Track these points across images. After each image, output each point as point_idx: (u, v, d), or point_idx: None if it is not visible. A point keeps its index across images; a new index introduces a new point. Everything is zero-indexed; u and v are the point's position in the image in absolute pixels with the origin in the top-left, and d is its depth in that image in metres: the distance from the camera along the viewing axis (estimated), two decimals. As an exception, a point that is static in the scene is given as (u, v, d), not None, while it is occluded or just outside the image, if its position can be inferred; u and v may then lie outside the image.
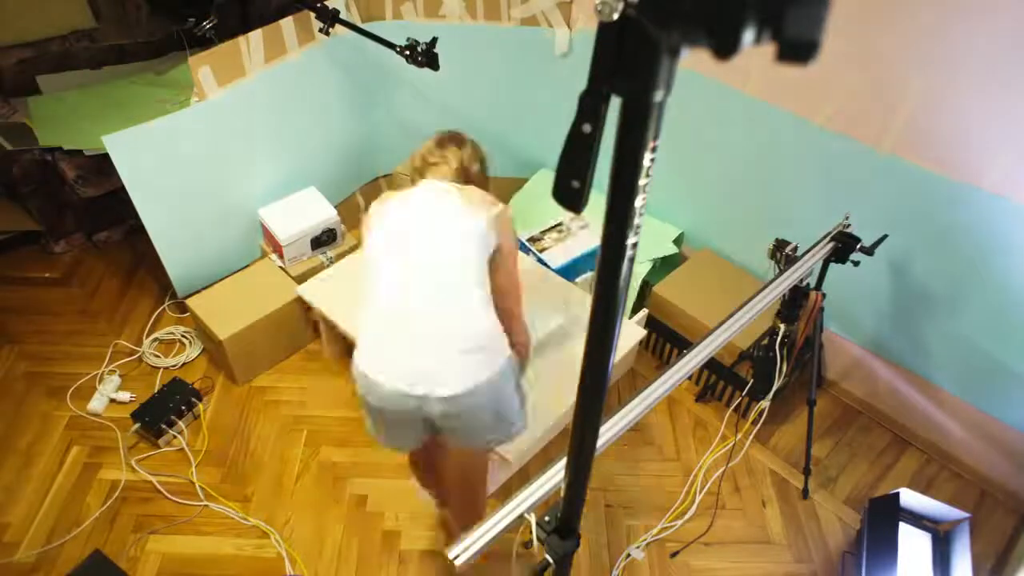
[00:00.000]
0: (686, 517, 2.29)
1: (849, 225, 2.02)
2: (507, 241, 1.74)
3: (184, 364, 2.69)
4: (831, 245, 2.00)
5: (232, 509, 2.26)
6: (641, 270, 2.70)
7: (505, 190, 3.07)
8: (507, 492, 2.31)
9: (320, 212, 2.70)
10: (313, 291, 2.52)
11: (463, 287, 1.62)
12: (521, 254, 2.43)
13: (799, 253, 2.02)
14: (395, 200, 1.74)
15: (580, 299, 2.50)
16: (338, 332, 2.51)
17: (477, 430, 1.67)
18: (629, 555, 2.19)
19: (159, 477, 2.33)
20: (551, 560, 1.14)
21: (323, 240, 2.72)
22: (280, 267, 2.70)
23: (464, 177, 1.79)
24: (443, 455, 1.92)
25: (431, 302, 1.61)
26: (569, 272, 2.67)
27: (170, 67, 3.30)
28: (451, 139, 1.83)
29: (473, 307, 1.62)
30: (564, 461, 1.17)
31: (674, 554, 2.20)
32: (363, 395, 1.63)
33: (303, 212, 2.70)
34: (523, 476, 2.36)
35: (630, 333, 2.42)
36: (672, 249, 2.79)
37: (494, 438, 1.72)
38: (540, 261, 2.67)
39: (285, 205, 2.72)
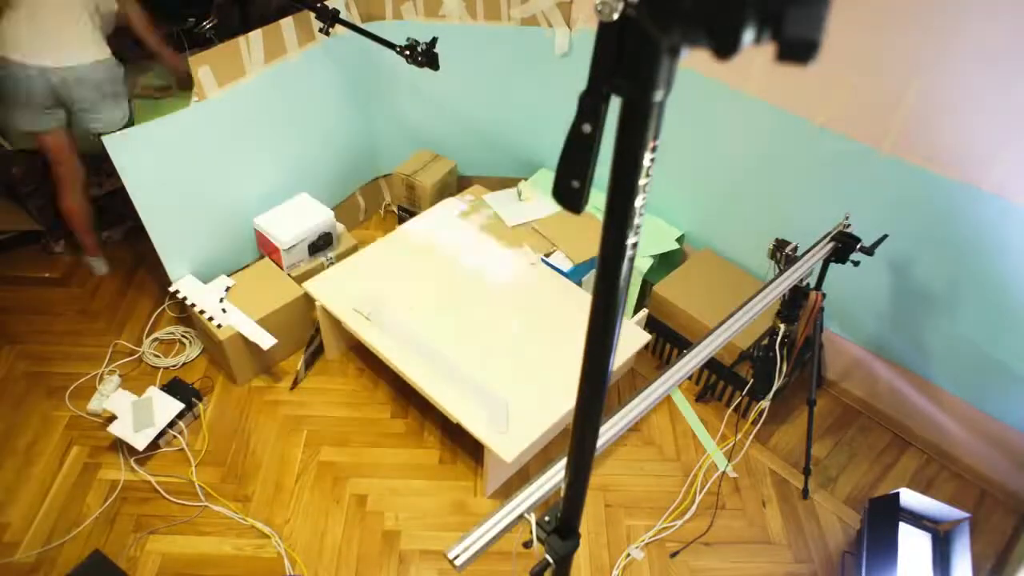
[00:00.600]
0: (686, 517, 2.29)
1: (849, 225, 2.02)
2: None
3: (184, 364, 2.69)
4: (831, 245, 2.00)
5: (231, 510, 2.26)
6: (641, 265, 2.70)
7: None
8: (507, 492, 2.32)
9: (315, 217, 2.69)
10: (317, 289, 2.51)
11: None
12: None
13: (799, 253, 2.02)
14: None
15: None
16: (340, 331, 2.51)
17: (92, 96, 2.46)
18: (629, 555, 2.19)
19: (159, 477, 2.33)
20: (551, 560, 1.14)
21: (320, 245, 2.73)
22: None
23: None
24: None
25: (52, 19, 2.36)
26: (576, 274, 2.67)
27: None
28: None
29: (90, 28, 2.44)
30: (564, 461, 1.17)
31: (674, 554, 2.20)
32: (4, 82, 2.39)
33: (298, 218, 2.69)
34: (523, 476, 2.36)
35: (633, 337, 2.42)
36: (674, 245, 2.80)
37: (106, 112, 2.53)
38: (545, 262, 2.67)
39: (280, 213, 2.72)
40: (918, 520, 2.11)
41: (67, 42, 2.39)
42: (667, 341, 2.71)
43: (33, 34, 2.34)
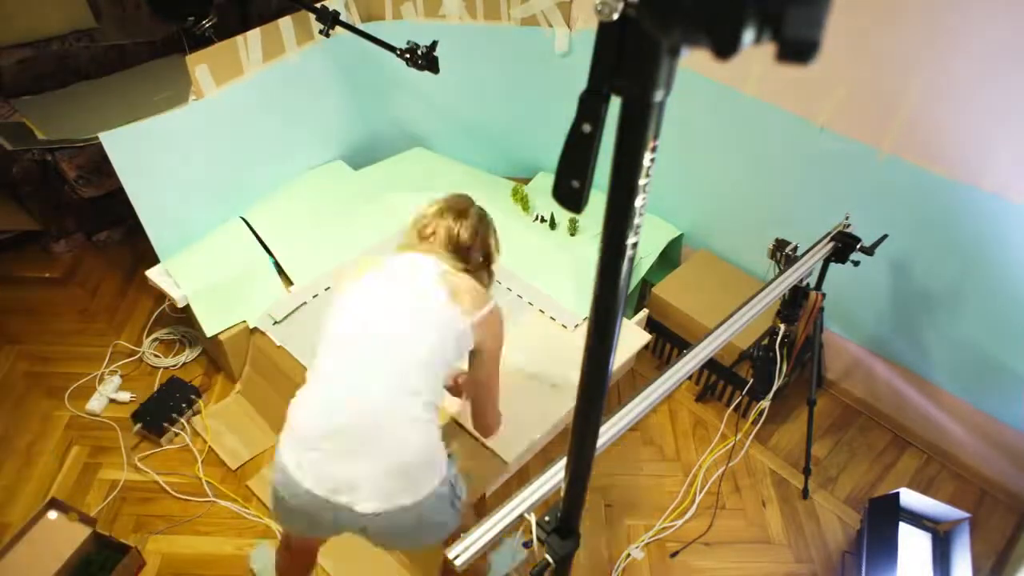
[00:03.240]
0: (686, 517, 2.29)
1: (849, 225, 2.02)
2: (490, 343, 1.58)
3: (184, 364, 2.69)
4: (831, 245, 2.00)
5: (239, 505, 2.25)
6: (641, 264, 2.70)
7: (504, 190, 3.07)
8: (507, 492, 2.32)
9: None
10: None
11: (407, 394, 1.44)
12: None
13: (799, 253, 2.02)
14: (371, 272, 1.55)
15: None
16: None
17: (403, 542, 1.59)
18: (629, 555, 2.19)
19: (162, 476, 2.32)
20: (551, 560, 1.14)
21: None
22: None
23: (460, 255, 1.59)
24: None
25: (368, 407, 1.42)
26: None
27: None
28: (452, 207, 1.62)
29: (412, 419, 1.43)
30: (564, 461, 1.17)
31: (674, 554, 2.20)
32: (276, 487, 1.46)
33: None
34: (523, 476, 2.36)
35: (633, 337, 2.42)
36: (673, 245, 2.80)
37: (425, 543, 1.56)
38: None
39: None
40: (918, 520, 2.11)
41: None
42: (667, 341, 2.71)
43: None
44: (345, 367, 1.46)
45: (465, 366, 1.68)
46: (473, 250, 1.62)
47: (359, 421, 1.41)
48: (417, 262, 1.56)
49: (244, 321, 2.41)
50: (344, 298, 1.54)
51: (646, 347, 2.76)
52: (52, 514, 2.04)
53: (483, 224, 1.65)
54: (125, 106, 3.06)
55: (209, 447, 2.41)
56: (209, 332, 2.36)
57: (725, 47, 0.44)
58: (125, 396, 2.54)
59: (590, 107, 0.58)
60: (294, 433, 1.44)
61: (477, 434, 1.94)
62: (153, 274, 2.47)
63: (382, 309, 1.50)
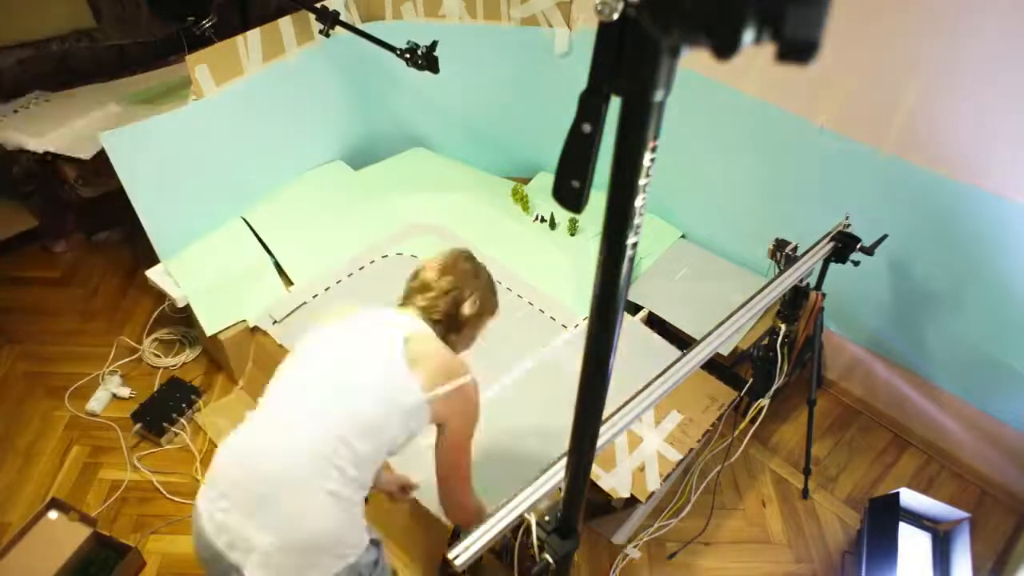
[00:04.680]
0: (681, 515, 2.29)
1: (849, 225, 2.02)
2: (456, 422, 1.38)
3: (184, 364, 2.69)
4: (831, 245, 2.00)
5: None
6: (641, 264, 2.70)
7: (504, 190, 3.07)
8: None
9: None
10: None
11: (330, 465, 1.27)
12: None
13: (799, 253, 2.02)
14: (339, 322, 1.43)
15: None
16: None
17: None
18: (627, 556, 2.18)
19: (160, 476, 2.32)
20: (551, 560, 1.14)
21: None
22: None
23: (447, 318, 1.44)
24: None
25: (282, 470, 1.28)
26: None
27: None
28: (451, 266, 1.46)
29: (327, 493, 1.27)
30: (564, 461, 1.17)
31: (672, 555, 2.20)
32: (193, 527, 1.35)
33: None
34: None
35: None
36: (674, 245, 2.80)
37: None
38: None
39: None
40: (918, 520, 2.11)
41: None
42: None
43: None
44: (276, 419, 1.34)
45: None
46: (469, 321, 1.46)
47: (269, 482, 1.27)
48: (390, 319, 1.41)
49: (244, 321, 2.41)
50: (302, 343, 1.42)
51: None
52: (52, 514, 2.04)
53: (482, 283, 1.49)
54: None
55: (209, 447, 2.41)
56: (209, 331, 2.36)
57: (725, 47, 0.44)
58: (126, 392, 2.55)
59: (590, 107, 0.58)
60: (211, 473, 1.33)
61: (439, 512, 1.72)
62: (153, 274, 2.47)
63: (331, 367, 1.36)
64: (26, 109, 2.93)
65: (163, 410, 2.44)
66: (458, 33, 2.75)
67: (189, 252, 2.53)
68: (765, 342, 2.35)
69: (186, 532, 2.20)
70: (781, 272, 1.93)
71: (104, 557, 2.02)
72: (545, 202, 2.88)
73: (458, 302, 1.43)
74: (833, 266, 2.04)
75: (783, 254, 2.06)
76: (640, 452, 2.07)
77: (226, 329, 2.39)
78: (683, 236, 2.84)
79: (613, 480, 1.99)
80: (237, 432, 1.36)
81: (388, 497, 1.78)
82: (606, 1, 0.50)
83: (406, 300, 1.47)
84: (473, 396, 1.40)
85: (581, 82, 0.56)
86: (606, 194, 0.64)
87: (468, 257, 1.50)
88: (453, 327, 1.45)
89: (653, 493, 1.98)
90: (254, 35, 2.39)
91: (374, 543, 1.37)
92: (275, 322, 2.37)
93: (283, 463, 1.28)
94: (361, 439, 1.29)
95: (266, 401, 1.37)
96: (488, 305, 1.50)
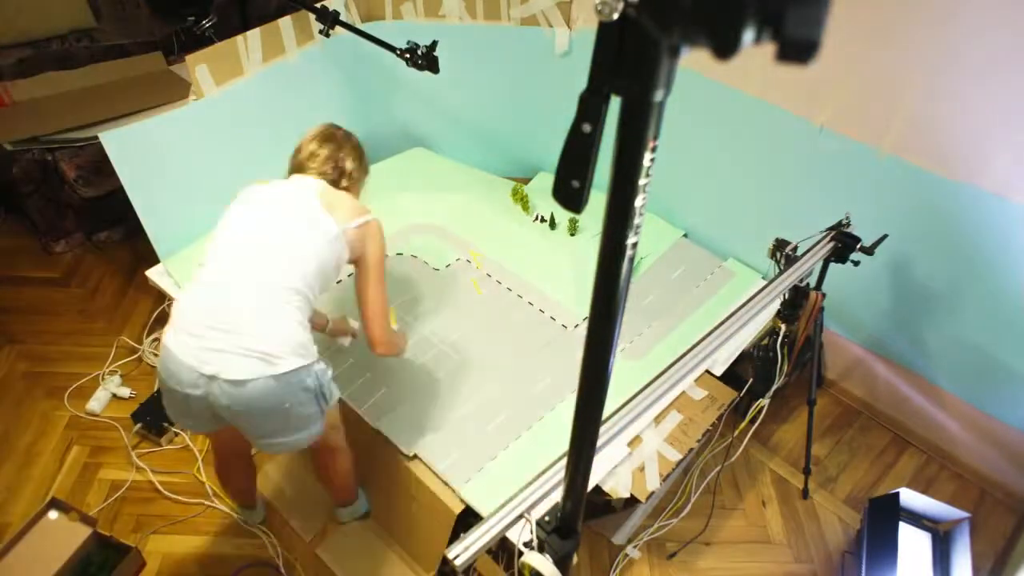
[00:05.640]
0: (681, 515, 2.29)
1: (849, 225, 2.02)
2: (370, 250, 1.76)
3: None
4: (831, 245, 2.00)
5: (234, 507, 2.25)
6: (641, 264, 2.69)
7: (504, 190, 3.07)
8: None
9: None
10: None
11: (280, 290, 1.58)
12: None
13: (799, 253, 2.02)
14: (264, 186, 1.77)
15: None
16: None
17: (266, 426, 1.61)
18: (627, 555, 2.18)
19: (160, 476, 2.32)
20: (551, 560, 1.14)
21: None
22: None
23: (339, 176, 1.82)
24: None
25: (244, 298, 1.56)
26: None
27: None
28: (330, 136, 1.86)
29: (281, 312, 1.57)
30: (564, 461, 1.17)
31: (672, 555, 2.20)
32: (160, 370, 1.60)
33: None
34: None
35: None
36: (674, 245, 2.79)
37: (288, 438, 1.64)
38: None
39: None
40: (918, 520, 2.11)
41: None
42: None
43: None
44: (227, 273, 1.60)
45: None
46: (348, 170, 1.83)
47: (234, 312, 1.54)
48: (298, 183, 1.76)
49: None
50: (230, 213, 1.72)
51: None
52: (52, 514, 2.04)
53: (356, 147, 1.89)
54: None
55: (209, 447, 2.41)
56: None
57: (725, 47, 0.44)
58: (126, 392, 2.55)
59: (590, 107, 0.58)
60: (174, 325, 1.57)
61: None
62: (153, 274, 2.47)
63: (263, 220, 1.68)
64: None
65: (163, 410, 2.43)
66: (458, 33, 2.75)
67: (189, 252, 2.53)
68: (765, 342, 2.35)
69: (187, 532, 2.20)
70: (781, 272, 1.93)
71: (104, 557, 2.02)
72: (545, 202, 2.88)
73: (341, 161, 1.82)
74: (833, 266, 2.04)
75: (783, 254, 2.06)
76: (640, 452, 2.07)
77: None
78: (685, 235, 2.84)
79: (613, 480, 1.99)
80: (191, 293, 1.60)
81: (329, 336, 2.15)
82: (606, 1, 0.50)
83: (300, 169, 1.83)
84: (378, 229, 1.80)
85: (581, 82, 0.56)
86: (606, 194, 0.64)
87: (337, 127, 1.91)
88: (343, 181, 1.83)
89: (653, 493, 1.98)
90: (254, 35, 2.39)
91: (324, 362, 1.64)
92: None
93: (246, 300, 1.56)
94: (302, 272, 1.61)
95: (211, 263, 1.63)
96: (364, 160, 1.92)
